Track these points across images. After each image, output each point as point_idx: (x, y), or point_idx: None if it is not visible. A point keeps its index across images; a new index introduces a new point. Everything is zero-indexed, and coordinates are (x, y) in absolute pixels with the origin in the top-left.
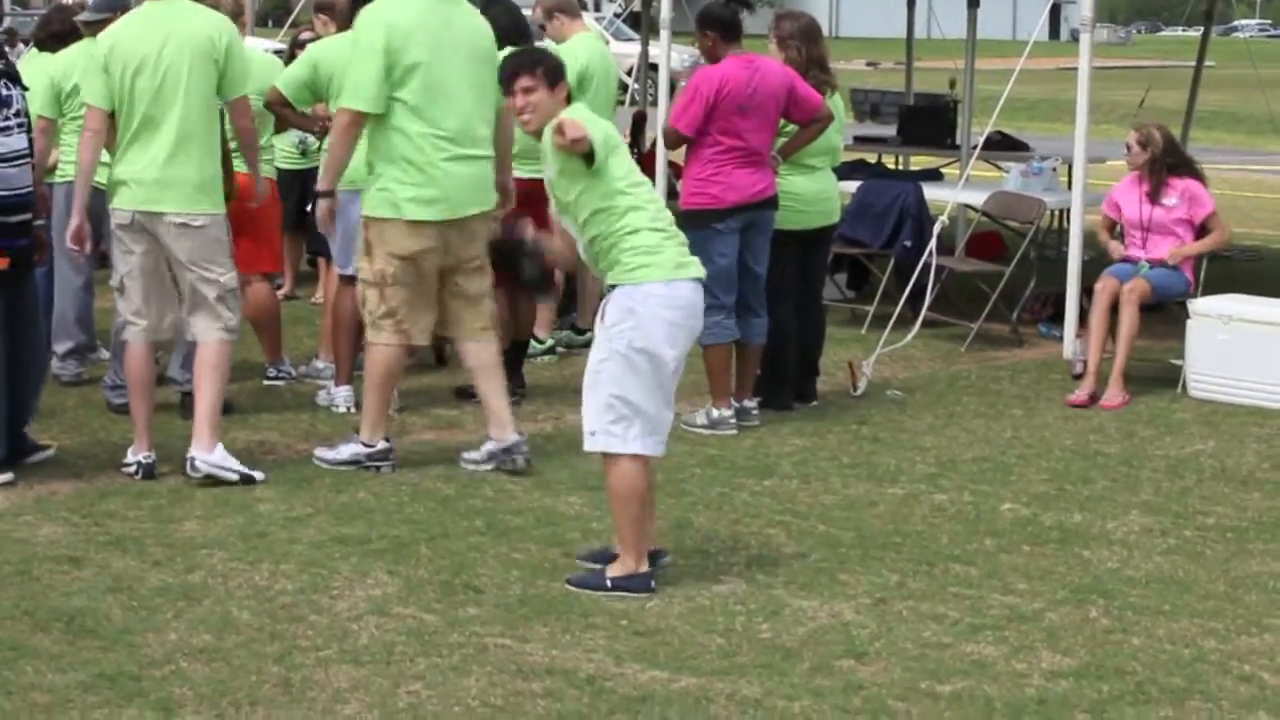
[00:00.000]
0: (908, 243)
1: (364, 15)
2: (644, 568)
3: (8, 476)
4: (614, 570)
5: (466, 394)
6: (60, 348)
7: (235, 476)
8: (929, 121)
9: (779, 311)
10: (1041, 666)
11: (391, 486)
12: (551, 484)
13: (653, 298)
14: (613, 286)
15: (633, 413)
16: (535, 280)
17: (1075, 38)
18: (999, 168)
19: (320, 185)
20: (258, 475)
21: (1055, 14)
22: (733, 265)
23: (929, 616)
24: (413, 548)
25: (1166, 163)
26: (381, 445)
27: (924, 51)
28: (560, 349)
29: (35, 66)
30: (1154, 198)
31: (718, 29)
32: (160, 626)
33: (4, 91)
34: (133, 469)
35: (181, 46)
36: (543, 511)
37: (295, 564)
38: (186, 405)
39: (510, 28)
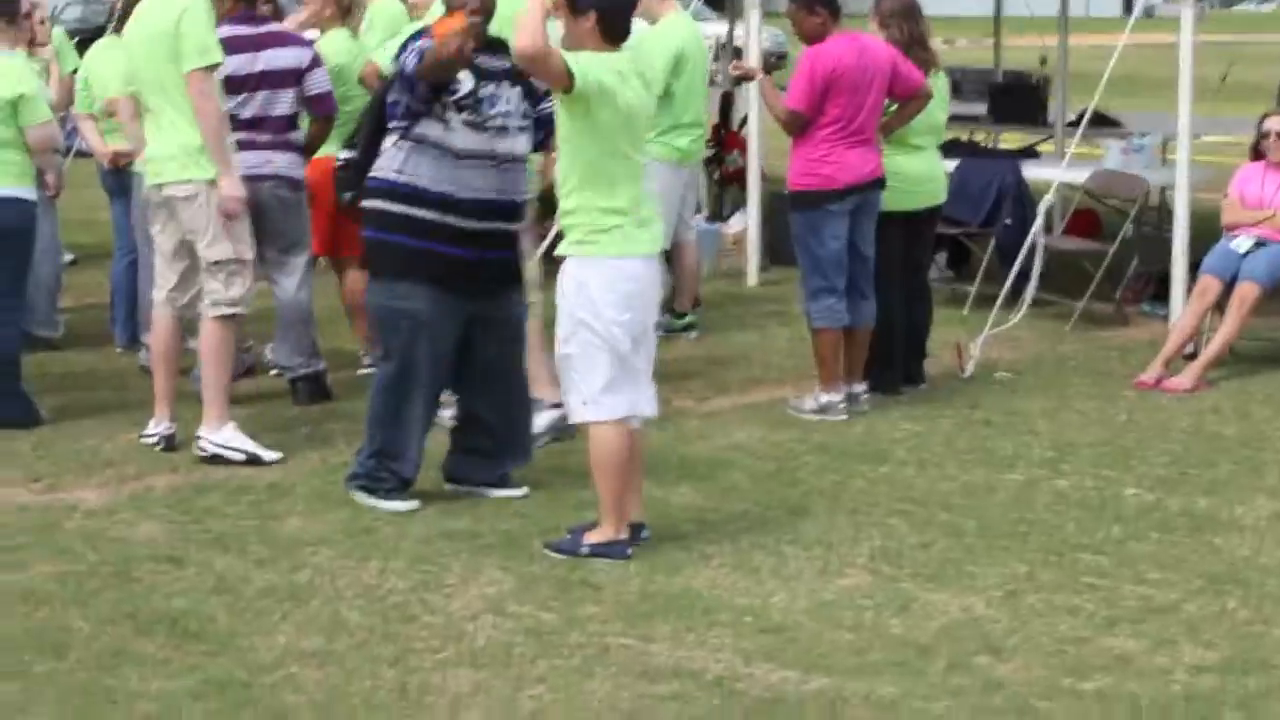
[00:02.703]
0: (1008, 221)
1: None
2: (623, 535)
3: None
4: (593, 536)
5: None
6: (148, 338)
7: (240, 456)
8: (1020, 99)
9: (886, 293)
10: (1184, 661)
11: None
12: (663, 474)
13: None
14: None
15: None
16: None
17: (1149, 14)
18: (1095, 145)
19: None
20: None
21: None
22: (844, 247)
23: (1063, 609)
24: (524, 542)
25: None
26: None
27: (1005, 28)
28: (659, 332)
29: (112, 52)
30: None
31: (828, 7)
32: (268, 629)
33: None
34: (153, 440)
35: None
36: (655, 503)
37: (404, 561)
38: (296, 390)
39: None
